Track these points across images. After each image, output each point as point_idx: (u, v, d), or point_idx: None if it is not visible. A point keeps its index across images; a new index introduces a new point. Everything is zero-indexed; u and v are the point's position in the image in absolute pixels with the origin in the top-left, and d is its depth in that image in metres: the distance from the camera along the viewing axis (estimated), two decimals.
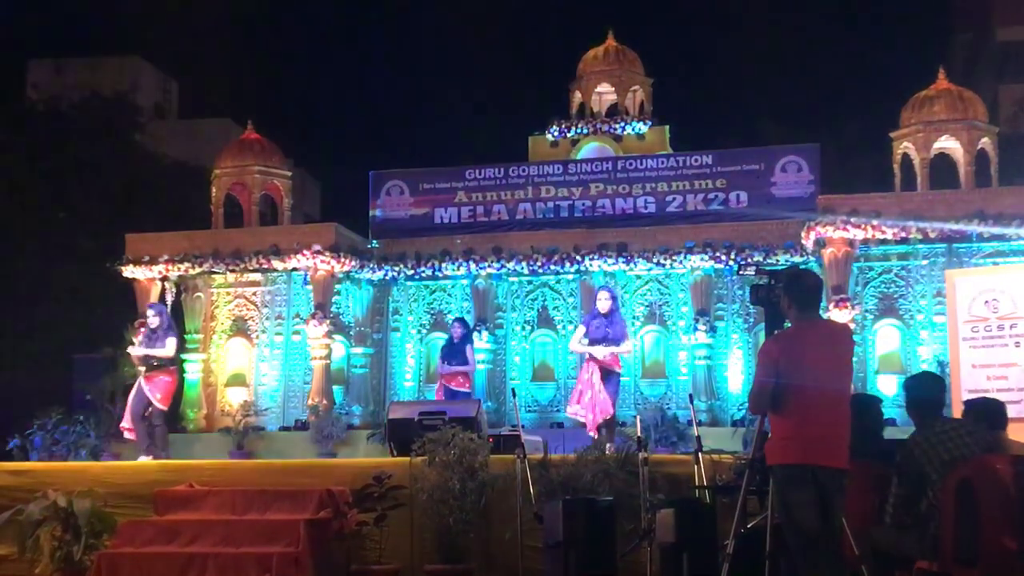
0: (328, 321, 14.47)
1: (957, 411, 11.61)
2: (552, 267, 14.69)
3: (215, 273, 15.23)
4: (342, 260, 14.57)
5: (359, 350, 15.25)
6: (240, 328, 15.48)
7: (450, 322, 13.68)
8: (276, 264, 14.78)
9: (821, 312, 6.46)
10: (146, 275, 15.08)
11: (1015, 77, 28.89)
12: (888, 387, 13.49)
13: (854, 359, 6.20)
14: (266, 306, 15.49)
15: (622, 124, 16.08)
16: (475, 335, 14.55)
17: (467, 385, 12.44)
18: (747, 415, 11.65)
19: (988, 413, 6.66)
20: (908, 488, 6.09)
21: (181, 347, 13.28)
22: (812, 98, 32.48)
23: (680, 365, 14.57)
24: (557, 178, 15.58)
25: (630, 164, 15.45)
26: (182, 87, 40.11)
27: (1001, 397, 8.45)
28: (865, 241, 13.48)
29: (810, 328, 5.77)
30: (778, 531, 5.61)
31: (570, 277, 14.76)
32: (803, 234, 13.70)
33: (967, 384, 11.74)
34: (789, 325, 5.87)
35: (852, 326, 12.93)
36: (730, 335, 14.52)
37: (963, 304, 12.19)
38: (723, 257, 14.08)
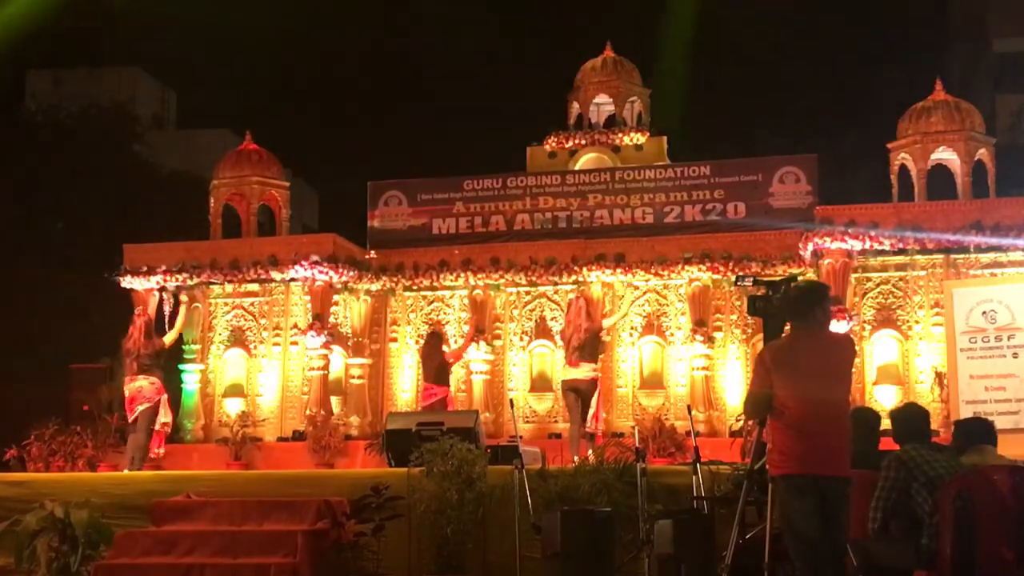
0: (326, 331, 14.46)
1: (955, 416, 11.70)
2: (550, 277, 14.70)
3: (213, 283, 15.22)
4: (340, 270, 14.56)
5: (357, 361, 15.22)
6: (238, 338, 15.43)
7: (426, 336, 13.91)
8: (274, 274, 14.77)
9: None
10: (144, 285, 15.07)
11: (1012, 88, 28.96)
12: (886, 398, 13.48)
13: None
14: (264, 316, 15.46)
15: (620, 135, 16.10)
16: (472, 346, 14.57)
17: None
18: (745, 426, 11.64)
19: (976, 431, 6.75)
20: (885, 497, 6.16)
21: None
22: (810, 109, 32.53)
23: (678, 376, 14.55)
24: (555, 189, 15.57)
25: (628, 175, 15.45)
26: (180, 97, 40.16)
27: (999, 408, 8.52)
28: (863, 252, 13.49)
29: (804, 338, 5.79)
30: (777, 541, 5.62)
31: (568, 287, 14.75)
32: (801, 245, 13.71)
33: (965, 395, 11.76)
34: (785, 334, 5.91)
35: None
36: (728, 345, 14.51)
37: (961, 315, 12.21)
38: (721, 268, 14.09)
